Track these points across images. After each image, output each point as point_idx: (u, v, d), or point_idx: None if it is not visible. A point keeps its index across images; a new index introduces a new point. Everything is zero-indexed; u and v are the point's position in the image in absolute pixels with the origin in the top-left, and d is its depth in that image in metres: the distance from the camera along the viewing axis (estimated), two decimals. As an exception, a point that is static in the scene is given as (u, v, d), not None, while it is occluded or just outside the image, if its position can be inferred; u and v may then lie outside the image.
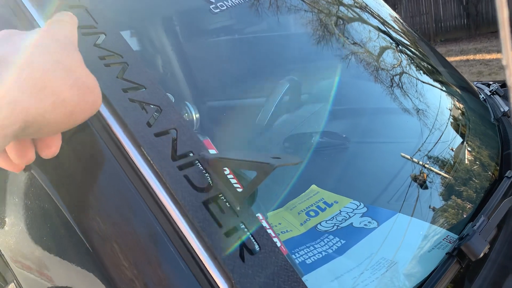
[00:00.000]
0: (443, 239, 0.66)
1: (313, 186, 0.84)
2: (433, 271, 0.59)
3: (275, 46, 1.35)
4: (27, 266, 0.47)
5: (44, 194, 0.47)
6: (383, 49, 1.33)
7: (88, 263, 0.45)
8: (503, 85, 1.59)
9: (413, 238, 0.68)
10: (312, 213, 0.77)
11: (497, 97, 1.29)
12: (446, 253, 0.60)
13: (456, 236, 0.66)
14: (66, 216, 0.45)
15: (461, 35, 10.24)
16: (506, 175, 0.81)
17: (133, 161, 0.44)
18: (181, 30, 0.87)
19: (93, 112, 0.42)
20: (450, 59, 8.61)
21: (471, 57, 8.43)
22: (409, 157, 0.94)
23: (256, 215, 0.58)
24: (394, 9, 9.73)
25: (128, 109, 0.46)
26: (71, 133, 0.46)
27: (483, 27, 9.98)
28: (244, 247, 0.44)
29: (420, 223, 0.71)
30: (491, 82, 1.49)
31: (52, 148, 0.41)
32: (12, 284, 0.45)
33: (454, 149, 1.06)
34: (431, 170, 0.93)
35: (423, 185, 0.88)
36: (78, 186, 0.46)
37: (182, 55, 0.92)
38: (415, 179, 0.89)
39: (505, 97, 1.36)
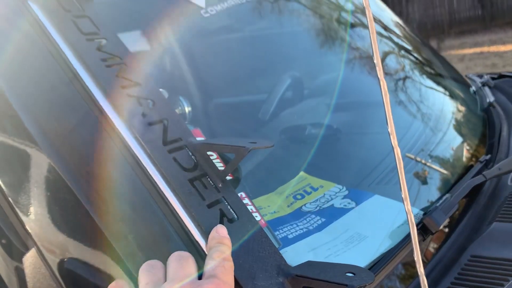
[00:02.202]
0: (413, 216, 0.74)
1: (302, 173, 0.92)
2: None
3: (273, 44, 1.43)
4: (49, 248, 0.56)
5: (53, 171, 0.56)
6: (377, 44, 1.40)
7: (95, 235, 0.54)
8: (500, 76, 1.64)
9: (386, 216, 0.75)
10: (298, 196, 0.85)
11: (486, 88, 1.35)
12: (411, 227, 0.68)
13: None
14: (71, 187, 0.54)
15: (476, 27, 10.12)
16: (479, 159, 0.88)
17: (130, 146, 0.53)
18: (179, 32, 0.96)
19: None
20: (463, 51, 8.54)
21: (485, 49, 8.35)
22: (413, 156, 1.01)
23: (239, 193, 0.67)
24: (406, 2, 9.66)
25: (126, 103, 0.55)
26: (81, 130, 0.55)
27: (498, 18, 9.85)
28: (224, 216, 0.53)
29: (394, 203, 0.78)
30: (484, 74, 1.54)
31: None
32: (33, 249, 0.54)
33: (442, 139, 1.13)
34: (415, 160, 1.00)
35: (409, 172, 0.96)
36: (82, 162, 0.55)
37: (183, 55, 1.01)
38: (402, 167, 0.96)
39: (495, 88, 1.41)
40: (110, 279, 0.52)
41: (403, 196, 0.29)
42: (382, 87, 0.27)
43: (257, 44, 1.46)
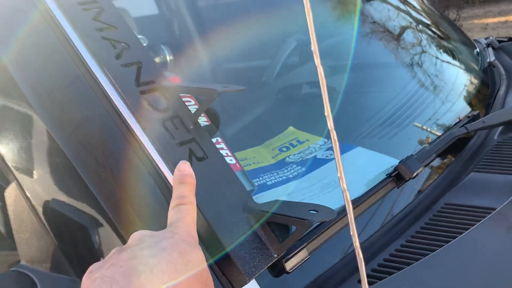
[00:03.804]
0: (391, 166, 0.75)
1: (290, 128, 0.93)
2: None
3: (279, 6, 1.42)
4: (28, 181, 0.59)
5: (31, 110, 0.58)
6: (383, 9, 1.38)
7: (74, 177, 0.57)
8: (510, 39, 1.60)
9: (365, 166, 0.76)
10: (284, 149, 0.86)
11: (490, 49, 1.32)
12: (386, 174, 0.69)
13: (403, 163, 0.74)
14: (47, 127, 0.56)
15: (502, -5, 9.73)
16: (467, 114, 0.88)
17: (102, 86, 0.55)
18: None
19: None
20: (487, 20, 8.24)
21: (510, 18, 8.05)
22: (420, 125, 1.01)
23: (216, 138, 0.69)
24: (429, -31, 9.29)
25: (100, 45, 0.57)
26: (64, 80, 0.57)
27: (525, -15, 9.44)
28: (193, 155, 0.55)
29: (375, 154, 0.79)
30: (491, 37, 1.50)
31: None
32: (13, 183, 0.57)
33: (439, 98, 1.12)
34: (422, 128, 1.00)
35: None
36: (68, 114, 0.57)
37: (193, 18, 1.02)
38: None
39: (501, 49, 1.38)
40: (84, 214, 0.55)
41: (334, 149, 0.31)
42: (305, 4, 0.28)
43: (262, 5, 1.45)
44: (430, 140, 0.99)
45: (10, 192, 0.57)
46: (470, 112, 0.89)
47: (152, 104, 0.56)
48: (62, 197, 0.57)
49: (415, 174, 0.66)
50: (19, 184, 0.57)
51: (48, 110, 0.56)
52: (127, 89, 0.55)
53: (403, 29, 1.26)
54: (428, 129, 0.98)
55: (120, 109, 0.54)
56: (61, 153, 0.56)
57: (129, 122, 0.54)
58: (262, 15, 1.40)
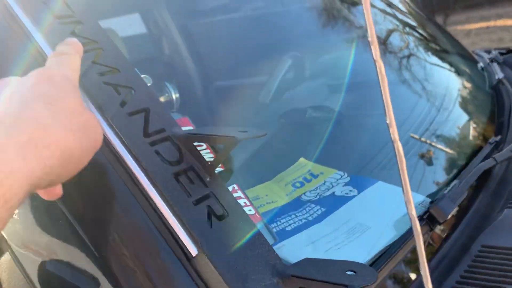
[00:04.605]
0: (418, 204, 0.69)
1: (302, 159, 0.87)
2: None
3: (275, 23, 1.37)
4: (23, 249, 0.52)
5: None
6: (380, 20, 1.33)
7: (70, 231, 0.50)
8: (508, 51, 1.57)
9: (390, 204, 0.70)
10: (298, 184, 0.80)
11: (495, 64, 1.29)
12: (417, 216, 0.63)
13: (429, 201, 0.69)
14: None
15: (482, 1, 9.89)
16: (489, 141, 0.83)
17: (108, 139, 0.48)
18: (176, 10, 0.91)
19: (97, 148, 0.41)
20: (470, 26, 8.35)
21: (492, 23, 8.16)
22: (417, 137, 0.96)
23: (232, 185, 0.63)
24: (410, -23, 9.42)
25: (102, 92, 0.50)
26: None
27: (505, -9, 9.61)
28: (213, 213, 0.48)
29: (399, 190, 0.73)
30: (492, 50, 1.47)
31: (56, 190, 0.42)
32: (7, 253, 0.50)
33: (449, 119, 1.08)
34: (421, 141, 0.95)
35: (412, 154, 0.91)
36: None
37: (183, 36, 0.96)
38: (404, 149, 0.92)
39: (503, 64, 1.35)
40: (89, 276, 0.49)
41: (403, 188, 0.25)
42: (379, 70, 0.23)
43: (256, 23, 1.40)
44: (433, 157, 0.94)
45: (4, 263, 0.50)
46: (492, 138, 0.84)
47: (164, 157, 0.50)
48: (62, 262, 0.50)
49: (450, 216, 0.61)
50: (13, 252, 0.50)
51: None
52: (136, 142, 0.48)
53: (409, 46, 1.22)
54: (440, 147, 0.93)
55: (128, 164, 0.48)
56: (61, 214, 0.49)
57: (140, 180, 0.47)
58: (258, 32, 1.35)
